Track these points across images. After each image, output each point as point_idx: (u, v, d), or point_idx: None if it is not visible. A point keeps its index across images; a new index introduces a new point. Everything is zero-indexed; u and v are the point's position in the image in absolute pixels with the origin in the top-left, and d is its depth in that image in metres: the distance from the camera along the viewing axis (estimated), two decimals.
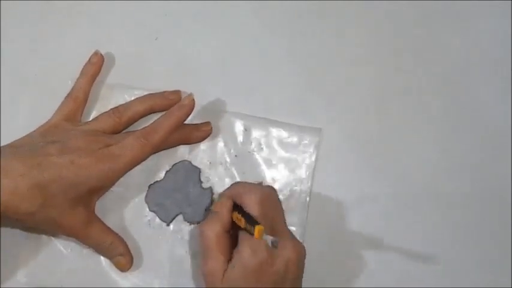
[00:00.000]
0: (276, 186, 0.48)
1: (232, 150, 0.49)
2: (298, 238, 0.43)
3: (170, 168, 0.49)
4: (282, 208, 0.44)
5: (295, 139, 0.50)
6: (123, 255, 0.46)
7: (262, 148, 0.50)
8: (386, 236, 0.49)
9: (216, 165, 0.49)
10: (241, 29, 0.53)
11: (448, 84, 0.52)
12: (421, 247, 0.49)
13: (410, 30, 0.54)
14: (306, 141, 0.50)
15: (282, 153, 0.50)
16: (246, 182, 0.47)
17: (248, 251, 0.40)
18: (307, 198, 0.49)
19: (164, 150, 0.49)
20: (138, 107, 0.48)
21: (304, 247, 0.42)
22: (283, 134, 0.50)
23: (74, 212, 0.43)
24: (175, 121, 0.45)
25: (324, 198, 0.49)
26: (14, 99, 0.50)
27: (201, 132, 0.49)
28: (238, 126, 0.50)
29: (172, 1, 0.53)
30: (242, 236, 0.41)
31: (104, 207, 0.47)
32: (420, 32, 0.54)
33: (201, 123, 0.49)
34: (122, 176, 0.45)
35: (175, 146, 0.49)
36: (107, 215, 0.47)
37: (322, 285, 0.48)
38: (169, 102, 0.48)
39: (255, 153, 0.49)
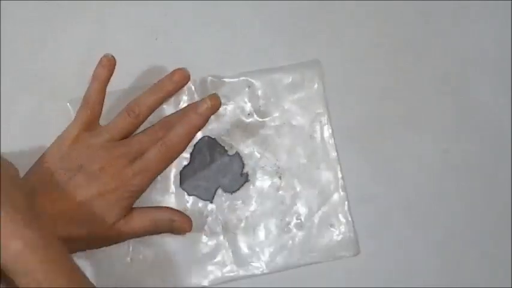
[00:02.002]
0: (298, 128, 0.50)
1: (243, 111, 0.50)
2: (337, 169, 0.49)
3: (193, 149, 0.49)
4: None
5: (297, 77, 0.51)
6: (175, 221, 0.46)
7: (270, 97, 0.50)
8: (385, 236, 0.49)
9: (234, 129, 0.50)
10: (241, 29, 0.53)
11: (448, 84, 0.52)
12: (421, 247, 0.49)
13: (410, 30, 0.54)
14: (309, 75, 0.51)
15: (290, 95, 0.50)
16: None
17: None
18: (330, 131, 0.50)
19: None
20: (150, 100, 0.47)
21: None
22: (285, 76, 0.51)
23: (112, 227, 0.44)
24: (192, 130, 0.45)
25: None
26: (14, 99, 0.50)
27: (211, 107, 0.46)
28: (241, 87, 0.50)
29: (172, 1, 0.53)
30: None
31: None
32: (420, 32, 0.54)
33: (207, 97, 0.46)
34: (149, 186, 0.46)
35: None
36: None
37: (321, 285, 0.48)
38: (179, 84, 0.48)
39: (266, 104, 0.50)
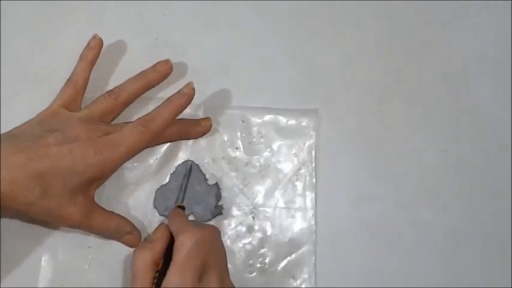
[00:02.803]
0: (282, 172, 0.49)
1: (233, 143, 0.50)
2: (312, 222, 0.47)
3: (174, 171, 0.49)
4: (223, 251, 0.43)
5: (293, 123, 0.50)
6: (130, 233, 0.46)
7: (262, 137, 0.50)
8: (385, 236, 0.49)
9: (219, 160, 0.49)
10: (241, 28, 0.53)
11: (448, 84, 0.53)
12: (421, 247, 0.49)
13: (410, 30, 0.54)
14: (304, 124, 0.50)
15: (282, 138, 0.50)
16: (186, 219, 0.45)
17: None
18: (314, 180, 0.49)
19: (166, 154, 0.49)
20: (133, 86, 0.48)
21: None
22: (281, 119, 0.50)
23: (73, 202, 0.43)
24: (175, 109, 0.45)
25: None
26: (14, 99, 0.50)
27: (201, 128, 0.49)
28: (236, 119, 0.50)
29: (172, 1, 0.53)
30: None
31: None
32: (420, 32, 0.54)
33: (201, 119, 0.49)
34: (121, 164, 0.45)
35: (175, 140, 0.49)
36: None
37: (321, 285, 0.48)
38: (162, 74, 0.48)
39: (256, 142, 0.50)
